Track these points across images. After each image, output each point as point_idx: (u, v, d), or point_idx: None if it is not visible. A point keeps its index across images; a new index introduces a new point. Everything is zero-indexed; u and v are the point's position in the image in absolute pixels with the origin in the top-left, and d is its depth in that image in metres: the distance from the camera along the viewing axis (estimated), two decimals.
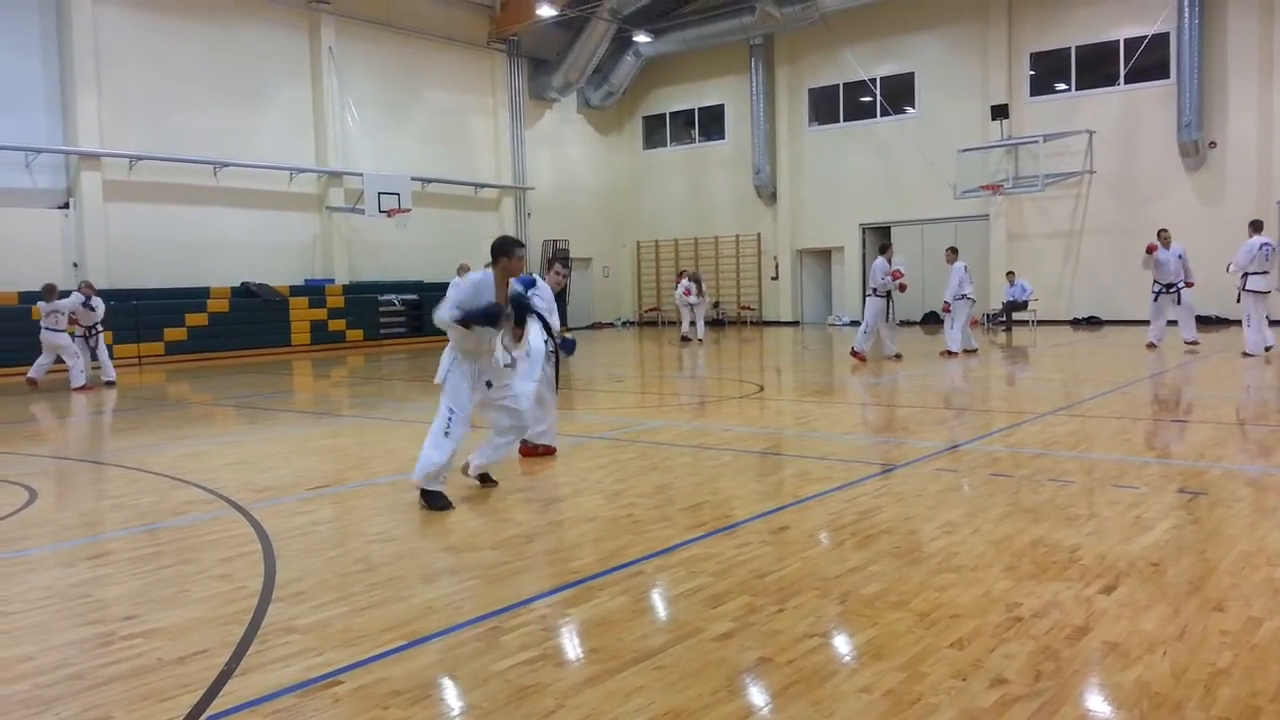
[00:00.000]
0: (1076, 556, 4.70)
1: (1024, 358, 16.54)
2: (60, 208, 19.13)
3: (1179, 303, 16.04)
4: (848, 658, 3.58)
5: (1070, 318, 23.81)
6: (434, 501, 6.16)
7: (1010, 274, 22.68)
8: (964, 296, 16.54)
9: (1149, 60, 22.46)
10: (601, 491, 6.51)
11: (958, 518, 5.52)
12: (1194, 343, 16.03)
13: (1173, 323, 16.41)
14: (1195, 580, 4.31)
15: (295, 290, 22.10)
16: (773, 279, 28.77)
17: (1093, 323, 23.37)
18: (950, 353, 16.33)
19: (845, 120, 27.46)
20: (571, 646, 3.78)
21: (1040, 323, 22.46)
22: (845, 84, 27.18)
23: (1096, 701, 3.16)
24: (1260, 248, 14.64)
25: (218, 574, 4.88)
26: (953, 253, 17.18)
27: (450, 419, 6.21)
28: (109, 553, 5.38)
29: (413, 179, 23.72)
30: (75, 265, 19.08)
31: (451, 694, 3.39)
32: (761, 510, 5.86)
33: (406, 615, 4.17)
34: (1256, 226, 15.11)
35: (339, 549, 5.31)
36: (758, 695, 3.28)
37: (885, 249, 16.32)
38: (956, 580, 4.40)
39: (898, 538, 5.14)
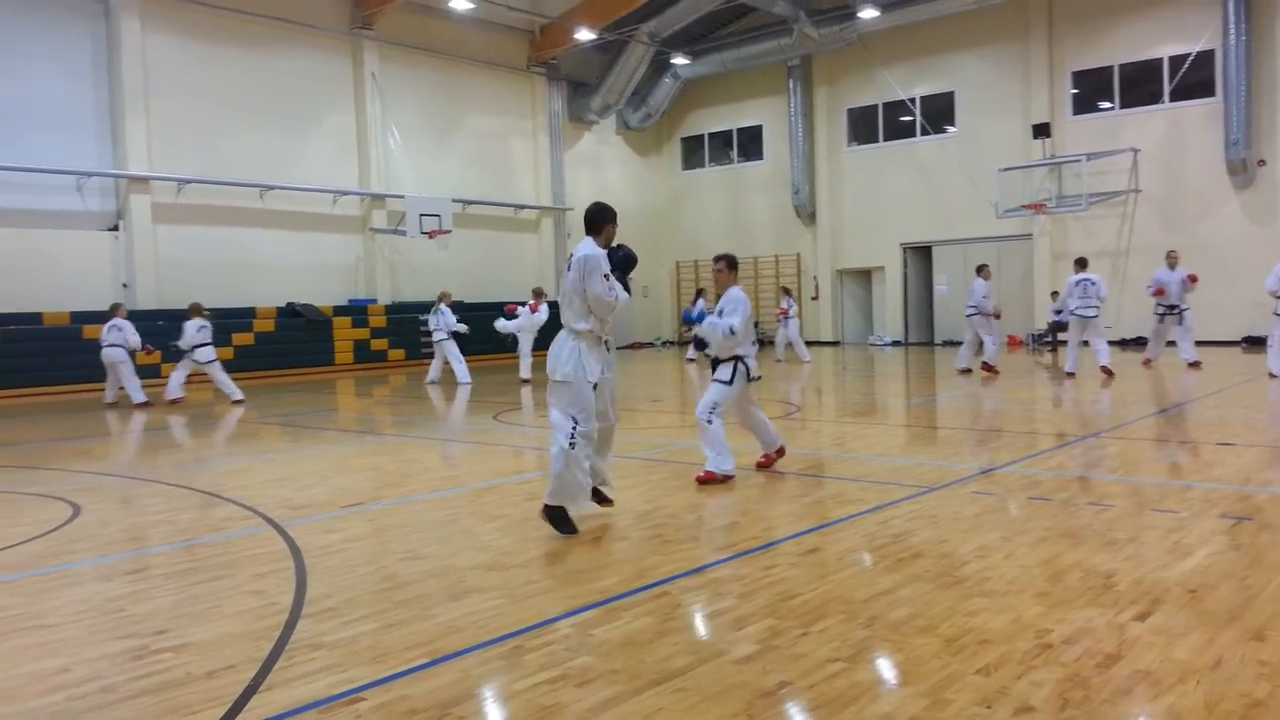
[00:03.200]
0: (1112, 582, 4.61)
1: (1066, 379, 16.29)
2: (110, 230, 19.58)
3: (1181, 324, 16.31)
4: (871, 683, 3.54)
5: (1118, 338, 23.42)
6: (563, 526, 5.94)
7: (1055, 294, 22.36)
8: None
9: (1194, 78, 22.14)
10: (632, 511, 6.50)
11: (992, 541, 5.44)
12: (1195, 363, 16.11)
13: (1172, 343, 16.51)
14: (1234, 608, 4.21)
15: (339, 310, 22.39)
16: (813, 299, 28.65)
17: (1140, 343, 22.95)
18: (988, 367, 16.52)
19: (885, 140, 27.35)
20: (593, 667, 3.77)
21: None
22: (884, 104, 27.09)
23: None
24: None
25: (251, 590, 4.94)
26: (982, 270, 17.22)
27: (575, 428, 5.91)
28: (147, 568, 5.47)
29: (453, 201, 23.98)
30: (125, 286, 19.49)
31: (469, 713, 3.39)
32: (792, 532, 5.82)
33: (432, 633, 4.19)
34: None
35: (370, 566, 5.35)
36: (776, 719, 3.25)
37: (982, 269, 16.87)
38: (987, 605, 4.33)
39: (929, 561, 5.08)
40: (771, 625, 4.15)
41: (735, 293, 7.45)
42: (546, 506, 5.95)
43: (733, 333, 7.27)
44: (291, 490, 7.72)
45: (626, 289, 6.15)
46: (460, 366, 17.98)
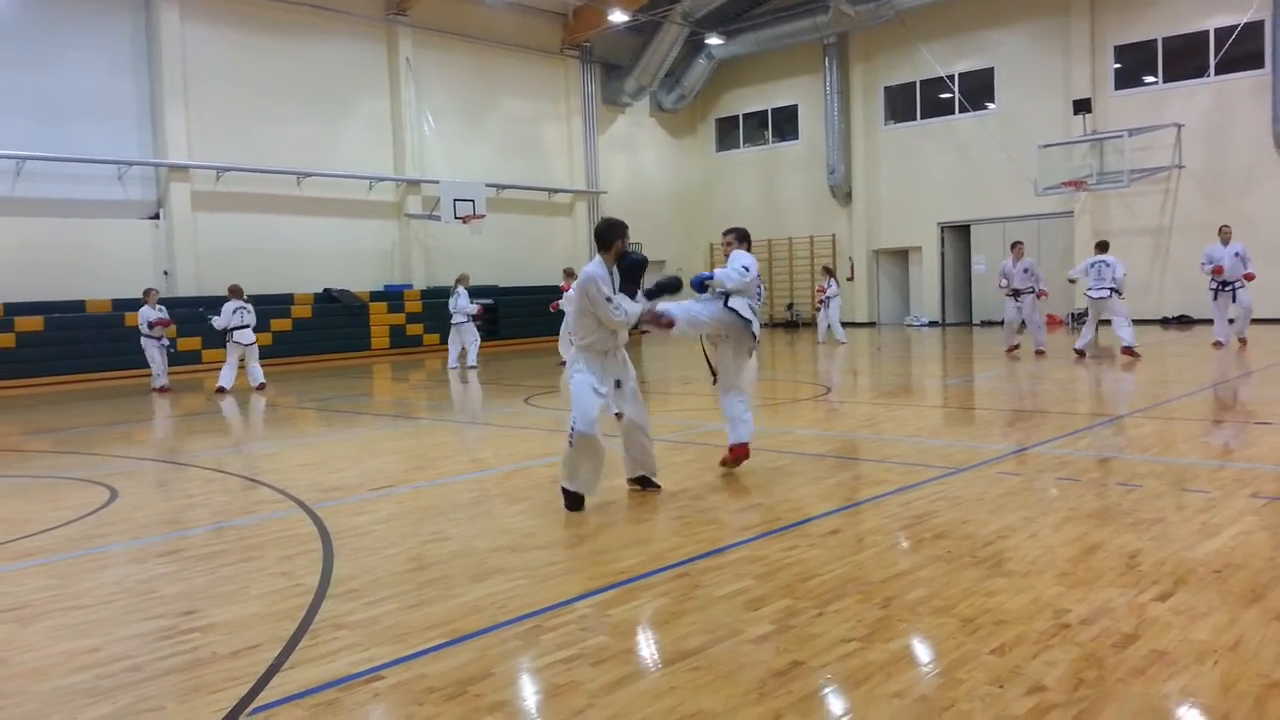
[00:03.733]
0: (1135, 562, 4.57)
1: (1107, 358, 16.06)
2: (151, 218, 19.91)
3: (1234, 300, 15.79)
4: (883, 663, 3.54)
5: (1159, 317, 23.04)
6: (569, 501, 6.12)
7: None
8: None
9: (1241, 50, 21.60)
10: (655, 494, 6.52)
11: (1015, 522, 5.40)
12: (1243, 341, 15.79)
13: (1234, 320, 15.96)
14: (1259, 588, 4.15)
15: (375, 296, 22.60)
16: (848, 279, 28.43)
17: (1183, 322, 22.58)
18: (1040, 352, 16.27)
19: (922, 118, 27.02)
20: (608, 646, 3.81)
21: (1107, 322, 21.72)
22: (922, 81, 26.73)
23: (1134, 711, 3.07)
24: None
25: (278, 571, 5.03)
26: (1017, 247, 16.99)
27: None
28: (178, 550, 5.59)
29: (487, 185, 24.07)
30: (165, 274, 19.82)
31: (485, 691, 3.44)
32: (814, 514, 5.81)
33: (453, 613, 4.25)
34: None
35: (395, 548, 5.43)
36: (787, 699, 3.26)
37: (1016, 246, 17.00)
38: (1006, 586, 4.31)
39: (951, 542, 5.05)
40: (788, 605, 4.16)
41: (740, 252, 7.11)
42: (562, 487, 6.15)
43: (746, 269, 6.85)
44: (323, 473, 7.84)
45: (640, 293, 6.14)
46: (473, 349, 18.05)
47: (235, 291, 15.32)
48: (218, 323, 15.19)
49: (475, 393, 14.61)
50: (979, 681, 3.32)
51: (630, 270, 6.19)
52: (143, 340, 15.50)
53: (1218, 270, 15.85)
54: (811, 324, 28.49)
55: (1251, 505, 5.56)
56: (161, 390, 15.40)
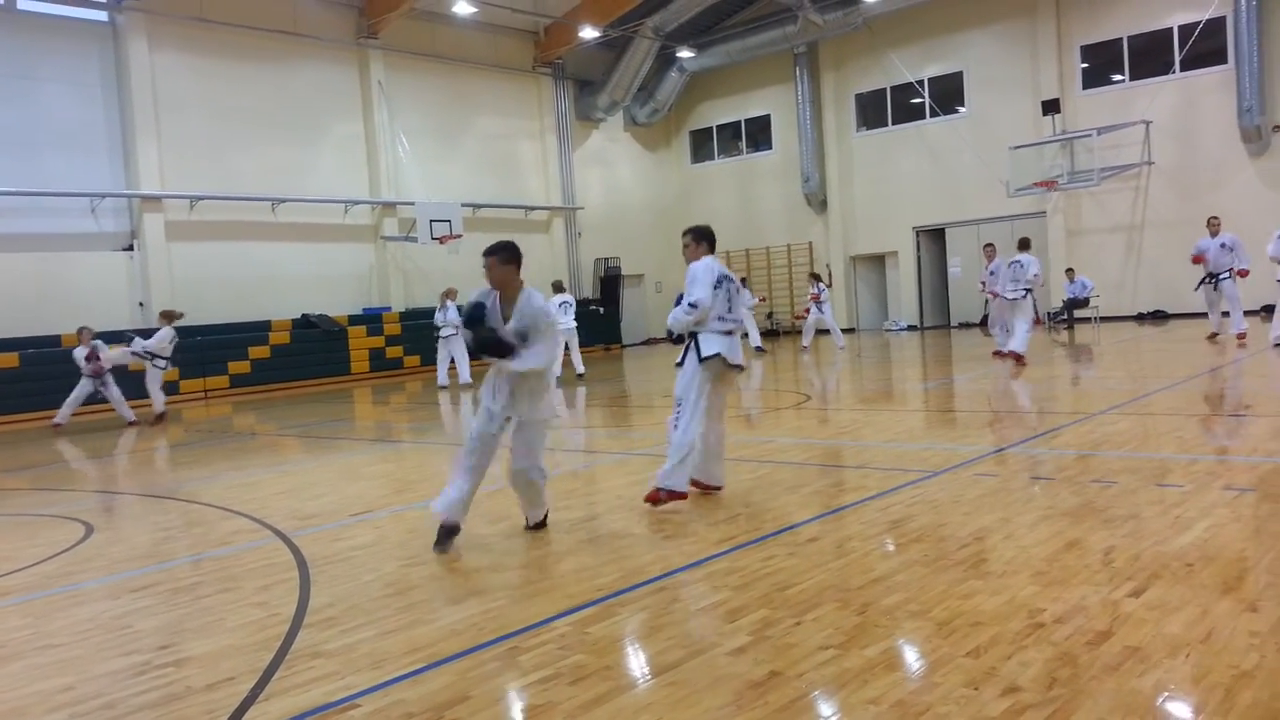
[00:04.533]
0: (1109, 559, 4.59)
1: (1083, 355, 16.18)
2: (125, 250, 19.79)
3: (1216, 290, 15.73)
4: (860, 669, 3.54)
5: (1134, 313, 23.22)
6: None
7: (1070, 271, 22.21)
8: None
9: (1205, 46, 21.86)
10: (634, 509, 6.52)
11: (992, 523, 5.43)
12: (1241, 335, 15.41)
13: (1225, 314, 15.91)
14: (1229, 580, 4.18)
15: (353, 320, 22.53)
16: (826, 285, 28.51)
17: (1158, 317, 22.77)
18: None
19: (894, 123, 27.20)
20: (587, 664, 3.80)
21: (1103, 319, 21.92)
22: (892, 87, 26.92)
23: (1108, 708, 3.08)
24: None
25: (255, 601, 5.00)
26: (991, 248, 16.99)
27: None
28: (154, 584, 5.54)
29: (464, 205, 24.05)
30: (141, 305, 19.70)
31: (463, 715, 3.43)
32: (792, 522, 5.82)
33: (431, 637, 4.23)
34: None
35: (374, 573, 5.40)
36: (764, 710, 3.26)
37: (988, 248, 16.96)
38: (982, 587, 4.33)
39: (927, 545, 5.07)
40: (765, 616, 4.16)
41: (696, 265, 6.43)
42: None
43: (693, 306, 6.26)
44: (301, 500, 7.80)
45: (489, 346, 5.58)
46: (464, 366, 18.15)
47: (170, 316, 15.30)
48: (146, 344, 15.10)
49: (456, 414, 14.57)
50: (955, 684, 3.33)
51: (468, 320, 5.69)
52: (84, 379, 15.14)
53: (1196, 259, 15.91)
54: (794, 331, 28.62)
55: (1224, 498, 5.61)
56: (159, 417, 15.35)
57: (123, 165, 19.77)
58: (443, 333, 18.37)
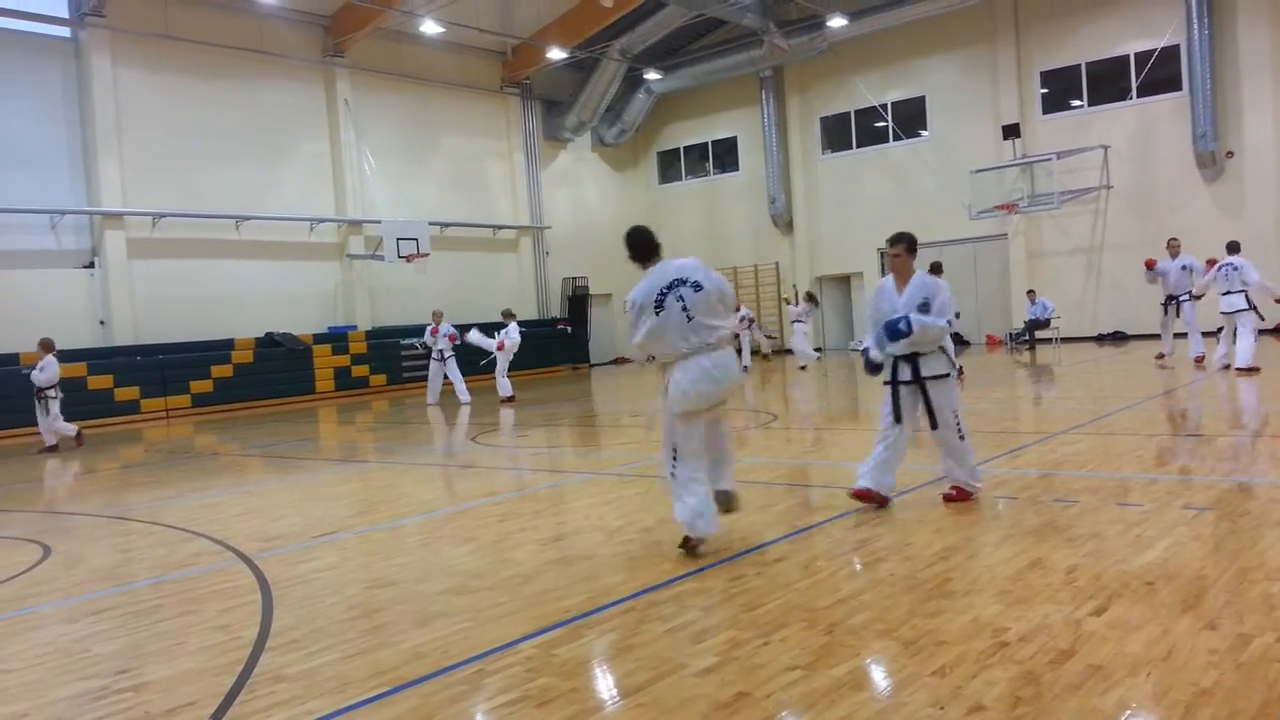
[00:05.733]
0: (1072, 578, 4.65)
1: (1044, 376, 16.38)
2: (86, 267, 19.54)
3: (1178, 315, 15.73)
4: (827, 689, 3.55)
5: (1095, 334, 23.58)
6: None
7: (1031, 292, 22.50)
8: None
9: (1160, 73, 22.36)
10: (603, 529, 6.51)
11: (957, 542, 5.47)
12: (1200, 358, 15.23)
13: (1181, 335, 15.93)
14: (1189, 598, 4.24)
15: (319, 338, 22.36)
16: (788, 303, 28.71)
17: (1118, 338, 23.13)
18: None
19: (858, 146, 27.52)
20: (553, 687, 3.78)
21: (1064, 340, 22.25)
22: (856, 111, 27.26)
23: None
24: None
25: (216, 625, 4.93)
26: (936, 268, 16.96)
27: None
28: (113, 607, 5.45)
29: (431, 224, 24.00)
30: (102, 323, 19.44)
31: None
32: (759, 542, 5.83)
33: (395, 660, 4.19)
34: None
35: (337, 596, 5.34)
36: None
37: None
38: (947, 607, 4.36)
39: (893, 565, 5.10)
40: (733, 636, 4.16)
41: (932, 280, 6.40)
42: None
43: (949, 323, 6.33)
44: (265, 522, 7.71)
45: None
46: (460, 383, 18.10)
47: (49, 345, 14.60)
48: (43, 378, 14.46)
49: (422, 433, 14.48)
50: (920, 704, 3.35)
51: None
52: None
53: (1149, 263, 15.96)
54: (757, 352, 28.73)
55: (1184, 517, 5.69)
56: (49, 449, 14.66)
57: (84, 182, 19.54)
58: (446, 354, 18.20)
